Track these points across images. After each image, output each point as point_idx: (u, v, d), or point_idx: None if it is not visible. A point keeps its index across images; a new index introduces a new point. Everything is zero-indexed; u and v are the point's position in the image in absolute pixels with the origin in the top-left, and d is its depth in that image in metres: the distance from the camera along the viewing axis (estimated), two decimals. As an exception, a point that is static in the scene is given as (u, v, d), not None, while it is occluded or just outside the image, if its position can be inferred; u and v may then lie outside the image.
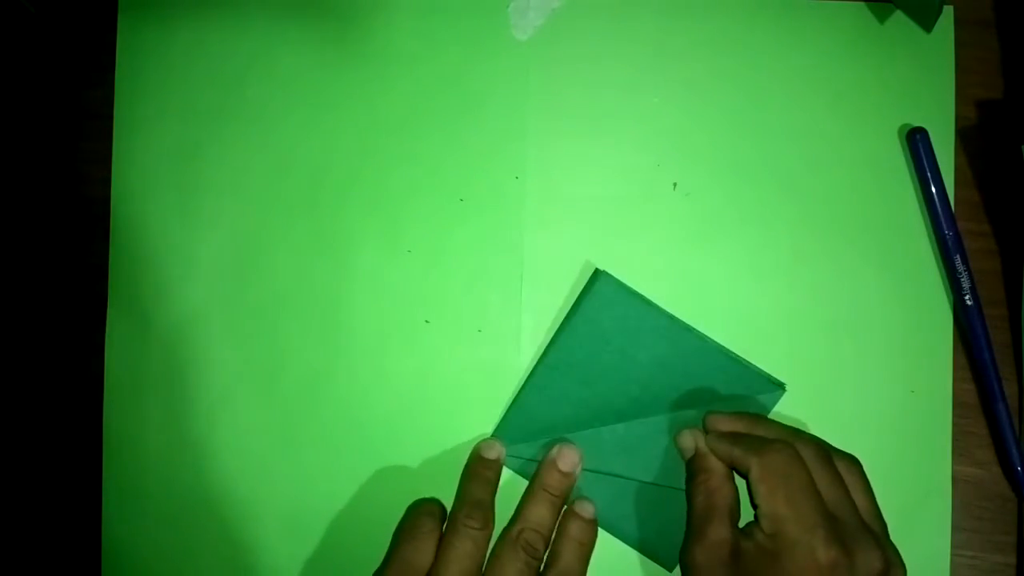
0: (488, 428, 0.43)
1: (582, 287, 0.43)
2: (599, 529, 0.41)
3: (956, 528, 0.41)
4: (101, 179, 0.45)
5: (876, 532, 0.36)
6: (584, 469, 0.41)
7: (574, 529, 0.40)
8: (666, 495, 0.41)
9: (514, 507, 0.40)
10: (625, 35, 0.44)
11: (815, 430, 0.42)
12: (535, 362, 0.43)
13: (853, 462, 0.38)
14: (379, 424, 0.43)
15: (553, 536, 0.40)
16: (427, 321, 0.43)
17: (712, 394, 0.41)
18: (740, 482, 0.38)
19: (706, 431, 0.40)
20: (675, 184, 0.44)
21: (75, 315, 0.45)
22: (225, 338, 0.44)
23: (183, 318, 0.44)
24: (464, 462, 0.42)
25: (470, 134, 0.44)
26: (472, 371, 0.43)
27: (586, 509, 0.40)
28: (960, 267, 0.41)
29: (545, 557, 0.39)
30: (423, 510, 0.40)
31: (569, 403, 0.42)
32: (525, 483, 0.42)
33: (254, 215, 0.44)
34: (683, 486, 0.39)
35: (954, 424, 0.42)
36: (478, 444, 0.42)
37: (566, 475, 0.40)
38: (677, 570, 0.40)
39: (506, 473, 0.42)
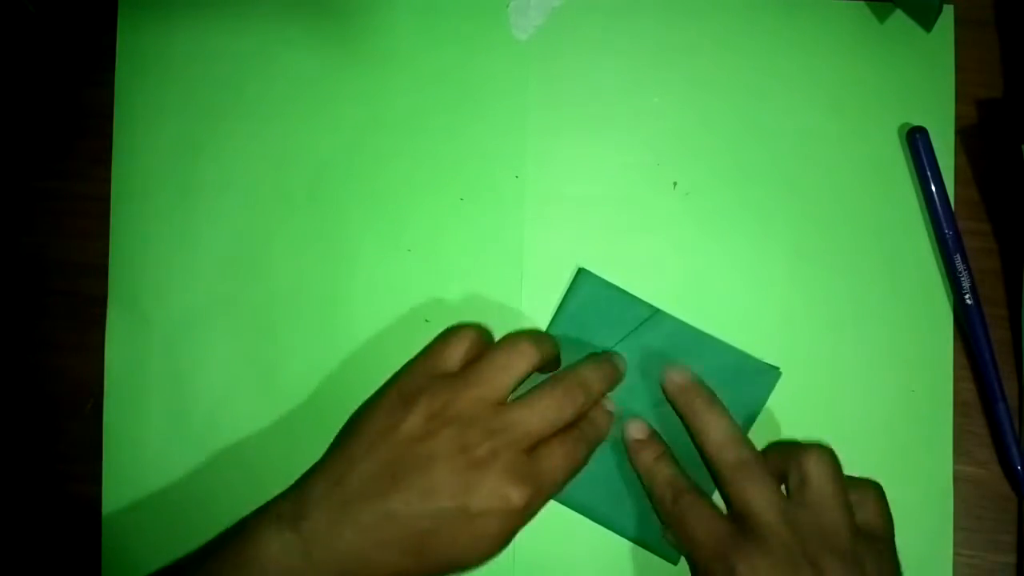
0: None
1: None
2: (603, 528, 0.41)
3: (956, 528, 0.41)
4: (101, 179, 0.45)
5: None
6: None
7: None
8: None
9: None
10: (625, 34, 0.44)
11: (816, 430, 0.42)
12: None
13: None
14: (379, 424, 0.43)
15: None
16: (427, 320, 0.43)
17: (708, 381, 0.41)
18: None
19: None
20: (675, 183, 0.44)
21: (75, 315, 0.45)
22: (225, 337, 0.44)
23: (183, 317, 0.44)
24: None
25: (470, 133, 0.44)
26: (472, 371, 0.43)
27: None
28: (960, 266, 0.41)
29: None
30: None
31: None
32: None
33: (254, 214, 0.44)
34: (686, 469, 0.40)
35: (954, 423, 0.42)
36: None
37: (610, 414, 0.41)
38: (683, 563, 0.40)
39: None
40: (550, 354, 0.40)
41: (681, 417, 0.40)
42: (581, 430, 0.39)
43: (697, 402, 0.39)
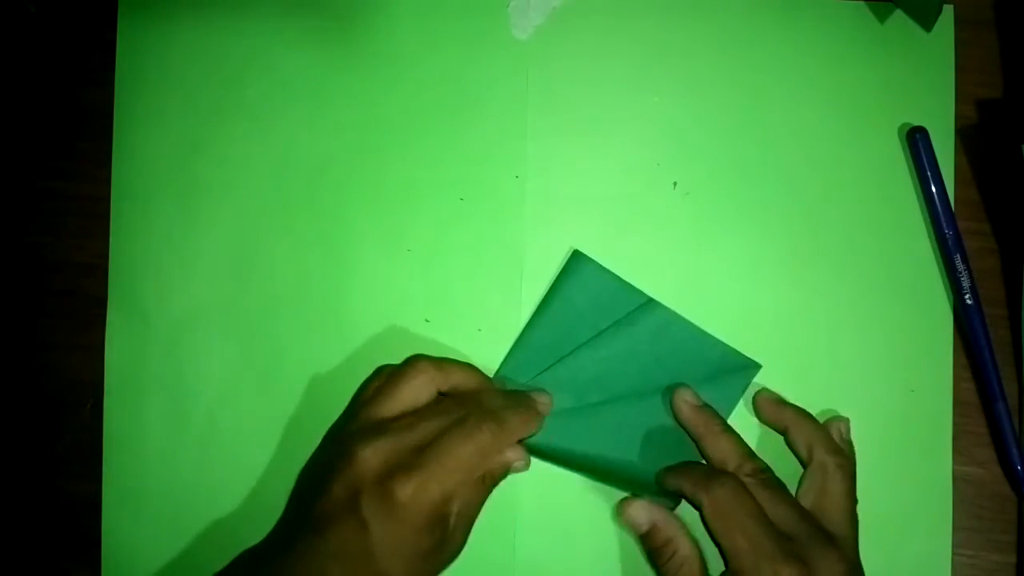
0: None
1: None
2: (603, 528, 0.42)
3: (956, 527, 0.41)
4: (101, 179, 0.45)
5: (835, 535, 0.37)
6: (564, 448, 0.41)
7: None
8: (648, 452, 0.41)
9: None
10: (625, 34, 0.44)
11: (815, 429, 0.42)
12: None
13: (835, 465, 0.39)
14: (379, 424, 0.43)
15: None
16: (427, 320, 0.43)
17: (688, 371, 0.42)
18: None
19: (678, 406, 0.41)
20: (675, 183, 0.44)
21: (75, 315, 0.45)
22: (225, 337, 0.44)
23: (183, 317, 0.44)
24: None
25: (470, 133, 0.44)
26: (472, 371, 0.43)
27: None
28: (960, 266, 0.41)
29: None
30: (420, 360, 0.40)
31: (545, 383, 0.42)
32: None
33: (254, 214, 0.44)
34: (664, 455, 0.41)
35: (954, 423, 0.42)
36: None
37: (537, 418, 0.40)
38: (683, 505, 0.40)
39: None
40: (458, 378, 0.40)
41: (694, 439, 0.41)
42: (481, 410, 0.38)
43: (710, 426, 0.40)
